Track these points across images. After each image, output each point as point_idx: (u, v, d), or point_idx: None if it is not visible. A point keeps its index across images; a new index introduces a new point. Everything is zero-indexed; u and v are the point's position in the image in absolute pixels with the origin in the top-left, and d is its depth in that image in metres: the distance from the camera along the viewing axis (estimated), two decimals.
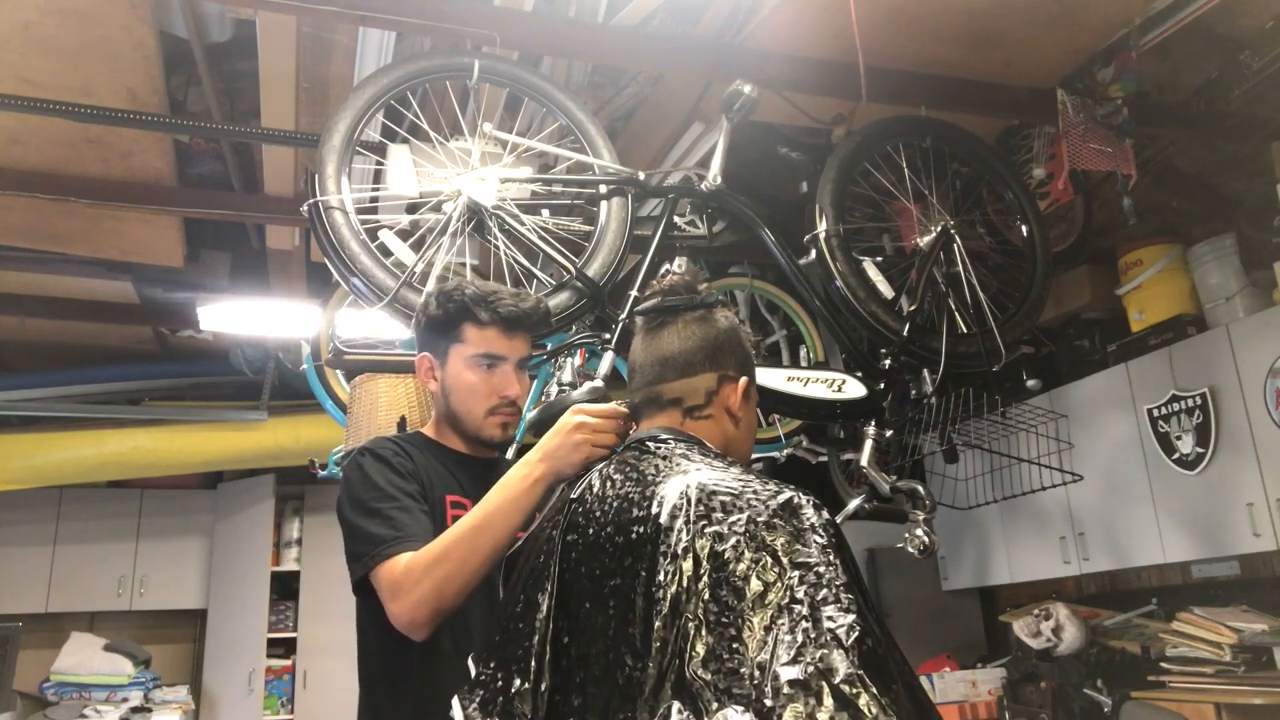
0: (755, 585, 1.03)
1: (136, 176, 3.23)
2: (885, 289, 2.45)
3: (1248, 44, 3.07)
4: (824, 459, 3.69)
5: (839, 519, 1.22)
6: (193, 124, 2.94)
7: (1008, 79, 2.88)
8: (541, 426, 2.04)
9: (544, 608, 1.19)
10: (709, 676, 0.99)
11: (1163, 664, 3.91)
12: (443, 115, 2.43)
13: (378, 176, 2.46)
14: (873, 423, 2.32)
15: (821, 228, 2.40)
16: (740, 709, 0.97)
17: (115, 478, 5.62)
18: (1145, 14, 2.67)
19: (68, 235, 3.60)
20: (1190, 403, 3.81)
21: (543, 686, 1.14)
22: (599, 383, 1.97)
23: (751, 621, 1.01)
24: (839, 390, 2.30)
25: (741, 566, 1.04)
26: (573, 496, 1.27)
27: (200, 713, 5.72)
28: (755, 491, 1.11)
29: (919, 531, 2.18)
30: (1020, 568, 4.79)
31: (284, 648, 5.83)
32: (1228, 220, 3.90)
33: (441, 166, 2.17)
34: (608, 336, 2.10)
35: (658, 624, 1.04)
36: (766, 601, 1.02)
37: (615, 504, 1.19)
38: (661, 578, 1.07)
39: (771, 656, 0.98)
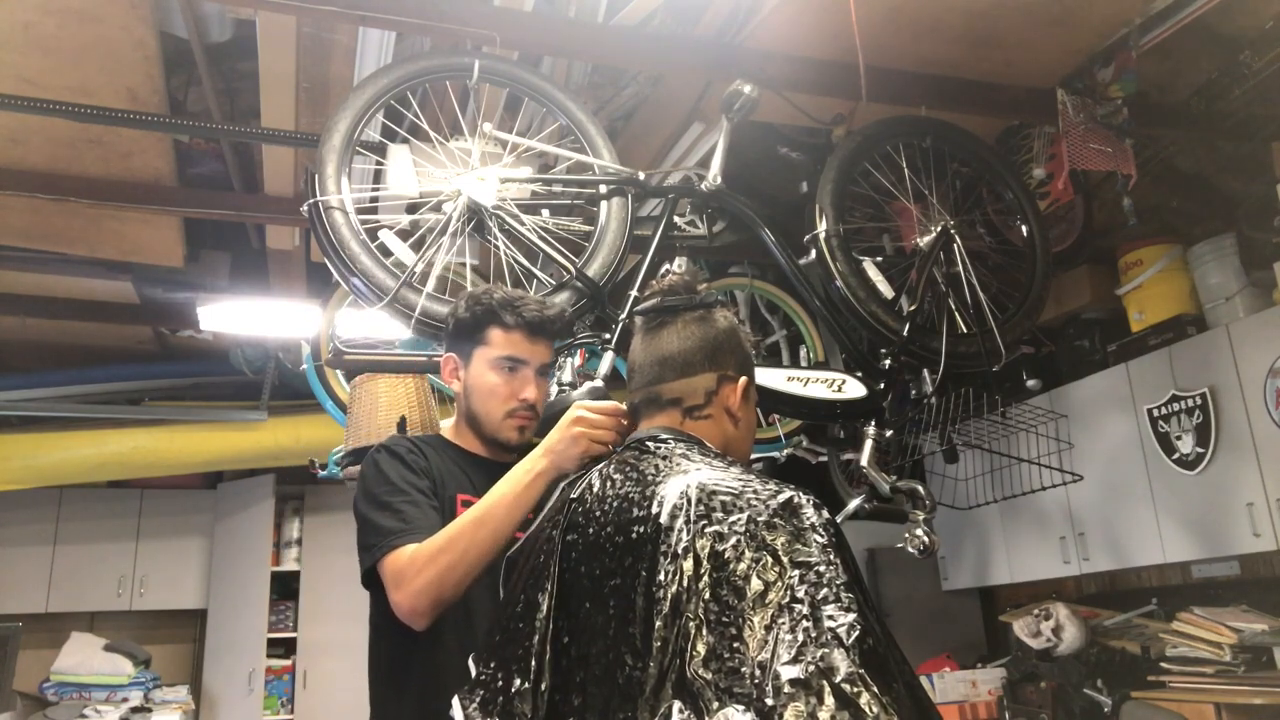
0: (756, 584, 1.03)
1: (136, 176, 3.23)
2: (885, 289, 2.45)
3: (1248, 44, 3.07)
4: (824, 459, 3.69)
5: (839, 519, 1.22)
6: (193, 124, 2.94)
7: (1008, 79, 2.88)
8: (542, 426, 2.04)
9: (544, 607, 1.19)
10: (710, 676, 0.99)
11: (1163, 664, 3.91)
12: (443, 115, 2.43)
13: (378, 176, 2.46)
14: (873, 423, 2.32)
15: (821, 228, 2.40)
16: (741, 708, 0.97)
17: (115, 478, 5.62)
18: (1145, 14, 2.67)
19: (68, 235, 3.60)
20: (1190, 403, 3.81)
21: (543, 686, 1.14)
22: (599, 383, 1.97)
23: (752, 621, 1.01)
24: (839, 390, 2.30)
25: (742, 566, 1.04)
26: (573, 496, 1.27)
27: (200, 713, 5.72)
28: (755, 491, 1.11)
29: (919, 531, 2.18)
30: (1020, 568, 4.79)
31: (284, 648, 5.84)
32: (1228, 220, 3.90)
33: (441, 166, 2.17)
34: (608, 336, 2.10)
35: (658, 623, 1.04)
36: (767, 601, 1.02)
37: (615, 504, 1.19)
38: (662, 577, 1.07)
39: (772, 656, 0.98)
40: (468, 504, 1.55)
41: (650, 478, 1.18)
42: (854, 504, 2.36)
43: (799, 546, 1.06)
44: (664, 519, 1.11)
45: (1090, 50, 2.81)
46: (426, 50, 2.63)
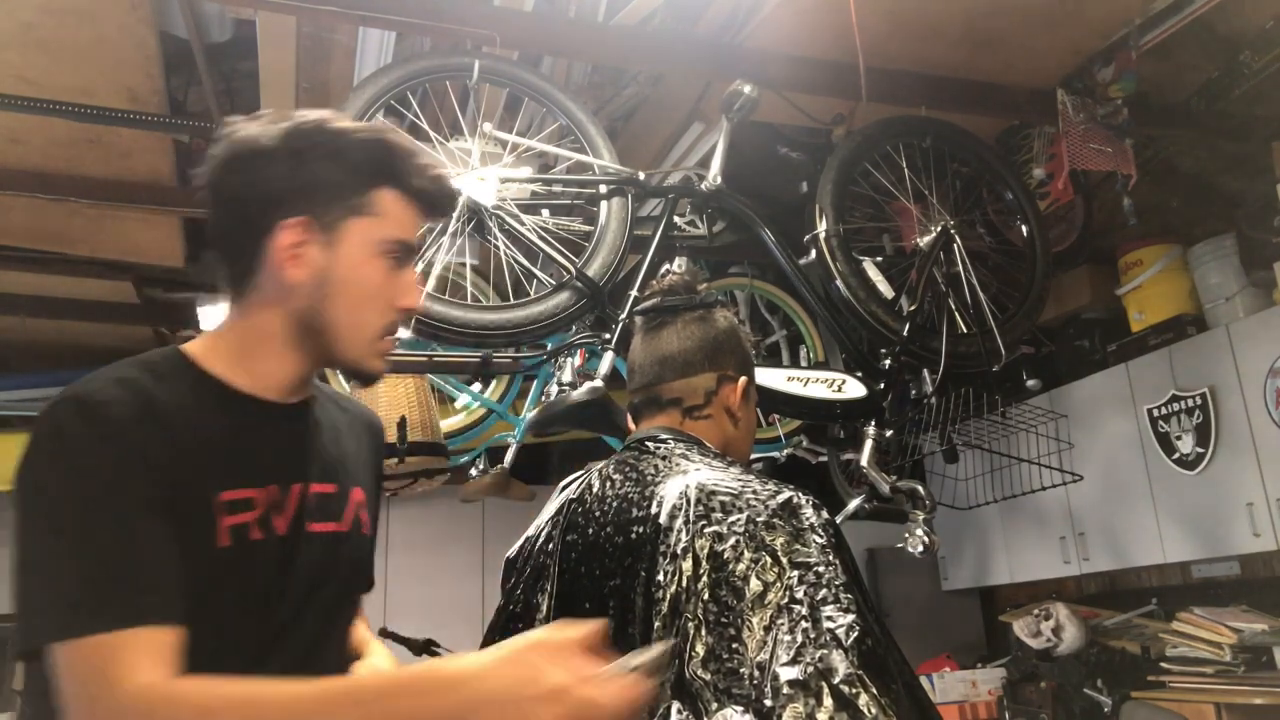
0: (755, 585, 1.03)
1: (136, 176, 3.22)
2: (885, 289, 2.45)
3: (1248, 44, 3.07)
4: (824, 459, 3.69)
5: (839, 519, 1.22)
6: (193, 124, 2.94)
7: (1008, 79, 2.88)
8: (542, 427, 2.05)
9: (543, 608, 1.19)
10: (708, 676, 0.99)
11: (1163, 664, 3.91)
12: (443, 115, 2.43)
13: None
14: (873, 423, 2.32)
15: (821, 228, 2.40)
16: (740, 709, 0.97)
17: None
18: (1145, 14, 2.67)
19: (68, 235, 3.60)
20: (1190, 403, 3.80)
21: None
22: (599, 383, 1.97)
23: (751, 621, 1.01)
24: (839, 390, 2.30)
25: (741, 566, 1.04)
26: (572, 497, 1.27)
27: None
28: (754, 491, 1.11)
29: (919, 531, 2.18)
30: (1020, 568, 4.79)
31: None
32: (1228, 220, 3.90)
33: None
34: (608, 336, 2.10)
35: (657, 624, 1.04)
36: (766, 601, 1.02)
37: (614, 504, 1.19)
38: (661, 578, 1.07)
39: (771, 656, 0.98)
40: (239, 505, 0.94)
41: (650, 478, 1.18)
42: (854, 504, 2.36)
43: (798, 547, 1.06)
44: (663, 519, 1.11)
45: (1090, 50, 2.81)
46: (426, 50, 2.63)
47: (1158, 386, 3.96)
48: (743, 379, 1.33)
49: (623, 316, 2.08)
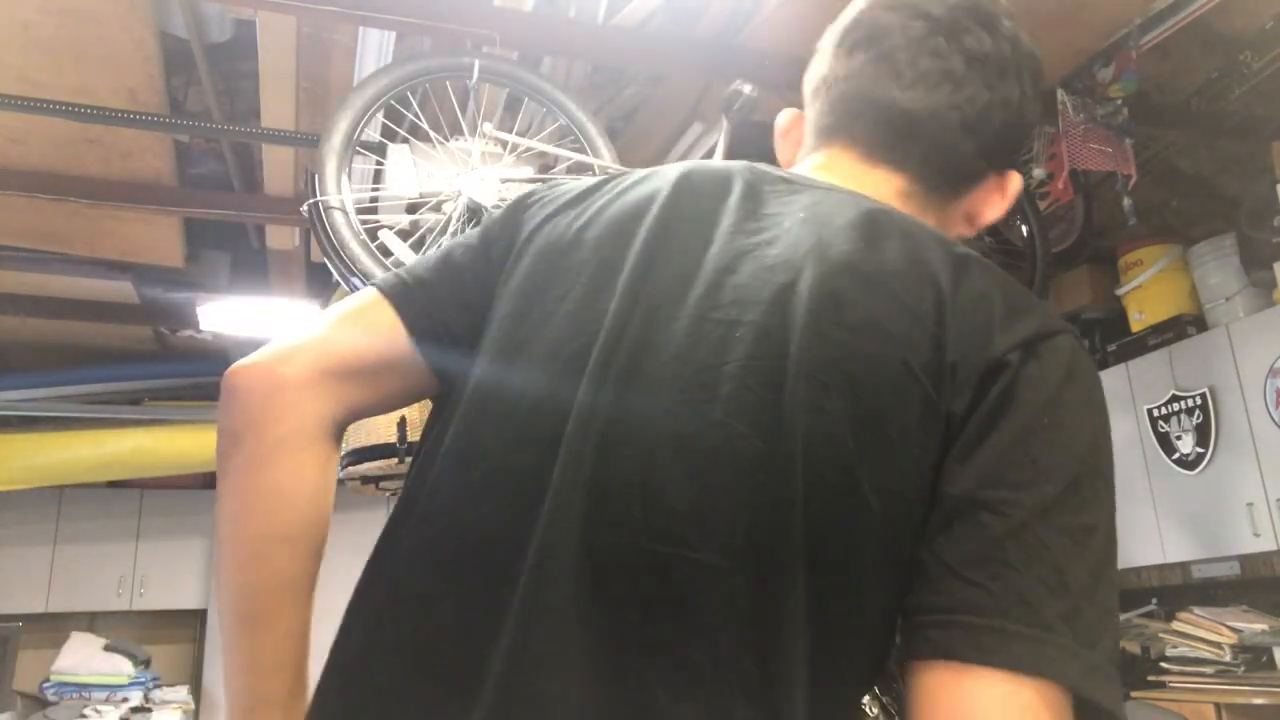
0: None
1: (136, 176, 3.23)
2: None
3: (1248, 44, 3.07)
4: None
5: None
6: (193, 124, 2.94)
7: None
8: None
9: None
10: None
11: (1163, 664, 3.91)
12: (443, 115, 2.43)
13: (378, 176, 2.46)
14: None
15: None
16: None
17: (115, 478, 5.62)
18: (1145, 14, 2.67)
19: (68, 235, 3.60)
20: (1190, 403, 3.80)
21: None
22: None
23: None
24: None
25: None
26: None
27: (200, 713, 5.72)
28: None
29: None
30: None
31: None
32: (1228, 220, 3.89)
33: (441, 166, 2.17)
34: None
35: None
36: None
37: None
38: None
39: None
40: None
41: None
42: None
43: None
44: None
45: (1090, 50, 2.81)
46: (426, 50, 2.63)
47: (1157, 386, 3.96)
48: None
49: None
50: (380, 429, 2.71)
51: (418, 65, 2.20)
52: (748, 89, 2.36)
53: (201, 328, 4.24)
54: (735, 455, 0.62)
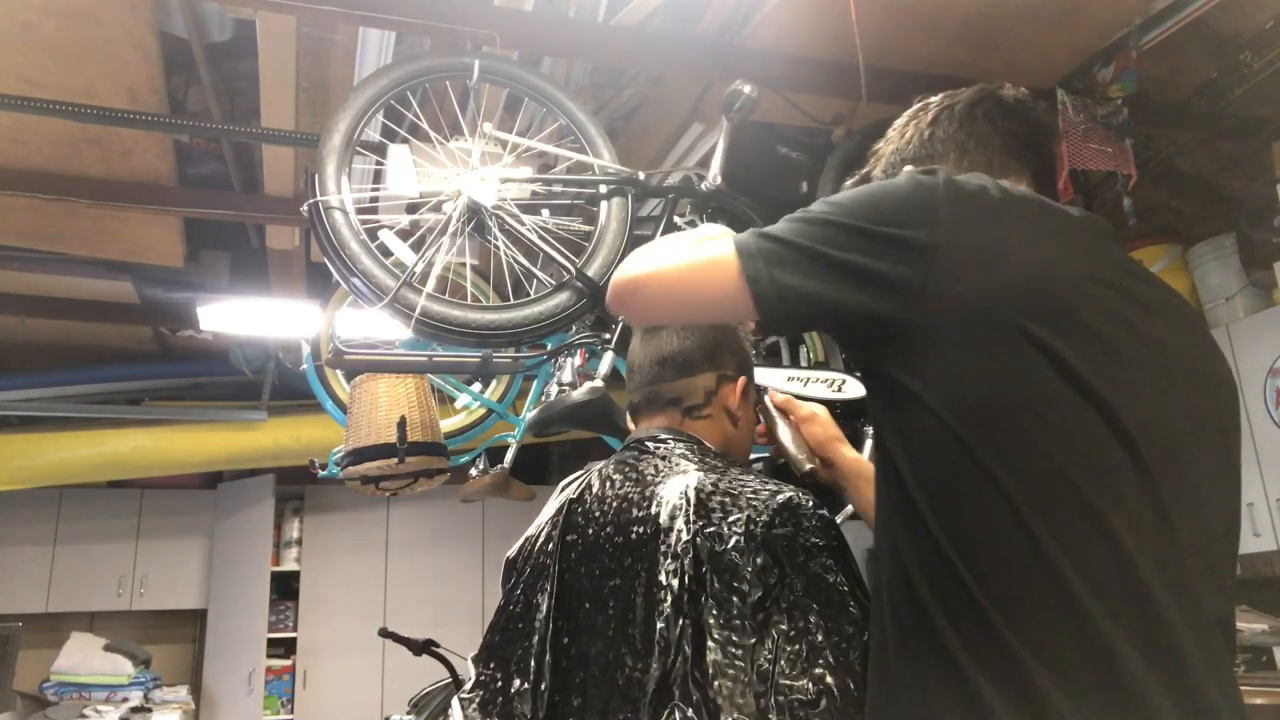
0: (756, 587, 1.03)
1: (136, 176, 3.23)
2: None
3: (1248, 44, 3.07)
4: None
5: (839, 519, 1.22)
6: (193, 124, 2.94)
7: (1008, 79, 2.85)
8: (542, 427, 2.04)
9: (543, 608, 1.19)
10: (710, 680, 0.99)
11: None
12: (443, 115, 2.43)
13: (378, 176, 2.46)
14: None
15: None
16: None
17: (115, 478, 5.62)
18: (1145, 14, 2.67)
19: (68, 235, 3.60)
20: None
21: (542, 687, 1.14)
22: (599, 383, 1.97)
23: (753, 624, 1.01)
24: (839, 390, 2.30)
25: (742, 568, 1.04)
26: (572, 497, 1.27)
27: (200, 713, 5.72)
28: (755, 491, 1.11)
29: None
30: None
31: (284, 648, 5.84)
32: (1228, 220, 3.89)
33: (441, 166, 2.17)
34: (608, 336, 2.10)
35: (659, 624, 1.04)
36: (767, 605, 1.02)
37: (614, 504, 1.19)
38: (662, 578, 1.07)
39: (774, 665, 0.98)
40: None
41: (649, 478, 1.18)
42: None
43: (799, 547, 1.06)
44: (664, 519, 1.11)
45: (1090, 50, 2.81)
46: (426, 50, 2.63)
47: None
48: (742, 379, 1.33)
49: (623, 317, 2.08)
50: (380, 429, 2.72)
51: (418, 65, 2.20)
52: (748, 89, 2.36)
53: (201, 328, 4.24)
54: None
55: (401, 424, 2.68)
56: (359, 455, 2.71)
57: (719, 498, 1.10)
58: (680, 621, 1.03)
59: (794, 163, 3.21)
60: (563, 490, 1.33)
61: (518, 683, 1.17)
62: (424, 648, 3.02)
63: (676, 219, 2.44)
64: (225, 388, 5.34)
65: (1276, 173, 3.43)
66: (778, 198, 3.29)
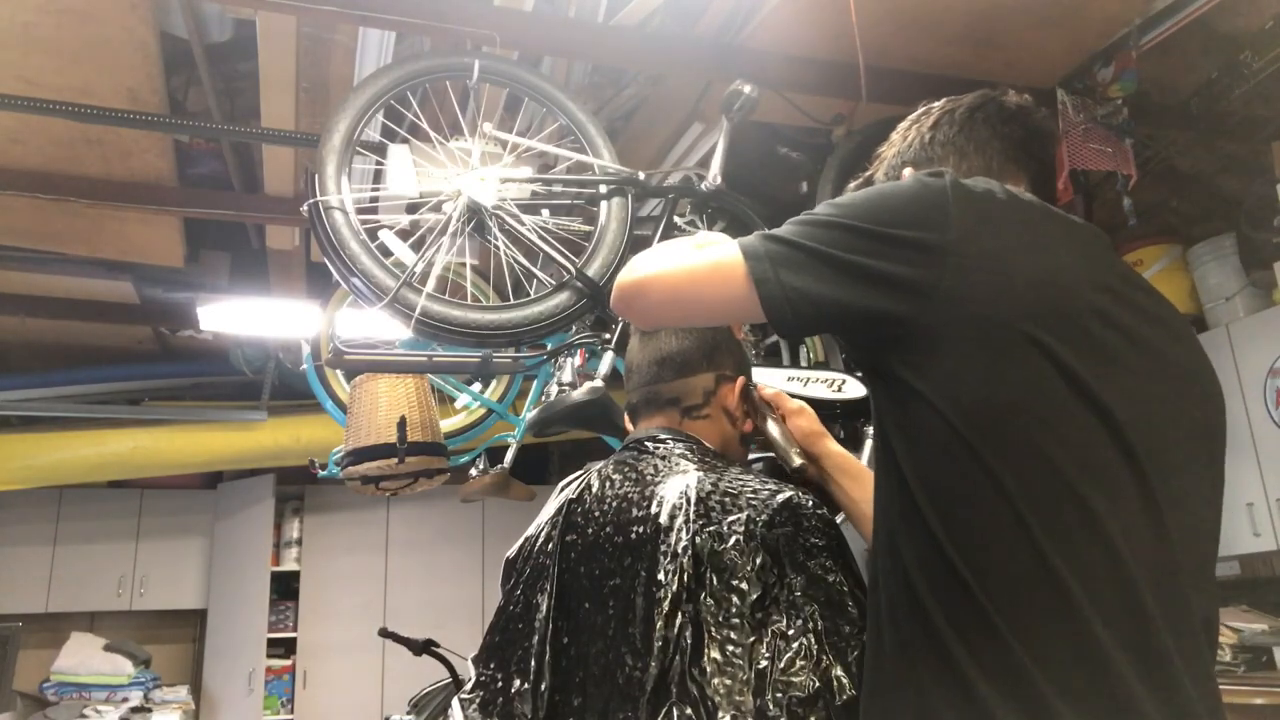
0: (755, 586, 1.03)
1: (136, 176, 3.22)
2: None
3: (1248, 44, 3.07)
4: None
5: (839, 519, 1.22)
6: (193, 124, 2.94)
7: (1008, 79, 2.88)
8: (542, 427, 2.04)
9: (543, 608, 1.19)
10: (709, 679, 0.99)
11: None
12: (443, 115, 2.43)
13: (378, 176, 2.46)
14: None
15: None
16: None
17: (115, 478, 5.62)
18: (1145, 14, 2.67)
19: (68, 235, 3.60)
20: None
21: (542, 686, 1.14)
22: (599, 383, 1.97)
23: (752, 623, 1.01)
24: (839, 390, 2.30)
25: (741, 567, 1.04)
26: (571, 498, 1.27)
27: (200, 713, 5.72)
28: (755, 491, 1.11)
29: None
30: None
31: (284, 648, 5.84)
32: (1228, 220, 3.89)
33: (441, 166, 2.17)
34: (608, 336, 2.10)
35: (659, 624, 1.04)
36: (766, 604, 1.02)
37: (614, 504, 1.19)
38: (662, 577, 1.07)
39: (772, 664, 0.98)
40: None
41: (649, 478, 1.18)
42: None
43: (799, 547, 1.06)
44: (663, 519, 1.11)
45: (1090, 50, 2.81)
46: (426, 50, 2.63)
47: None
48: (740, 379, 1.33)
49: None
50: (380, 429, 2.72)
51: (418, 65, 2.20)
52: (748, 89, 2.36)
53: (201, 328, 4.24)
54: None
55: (401, 424, 2.68)
56: (359, 455, 2.71)
57: (719, 497, 1.10)
58: (679, 620, 1.03)
59: (794, 163, 3.21)
60: (562, 490, 1.33)
61: (518, 683, 1.17)
62: (424, 648, 3.02)
63: (676, 219, 2.44)
64: (225, 388, 5.34)
65: (1276, 173, 3.43)
66: (778, 198, 3.29)
